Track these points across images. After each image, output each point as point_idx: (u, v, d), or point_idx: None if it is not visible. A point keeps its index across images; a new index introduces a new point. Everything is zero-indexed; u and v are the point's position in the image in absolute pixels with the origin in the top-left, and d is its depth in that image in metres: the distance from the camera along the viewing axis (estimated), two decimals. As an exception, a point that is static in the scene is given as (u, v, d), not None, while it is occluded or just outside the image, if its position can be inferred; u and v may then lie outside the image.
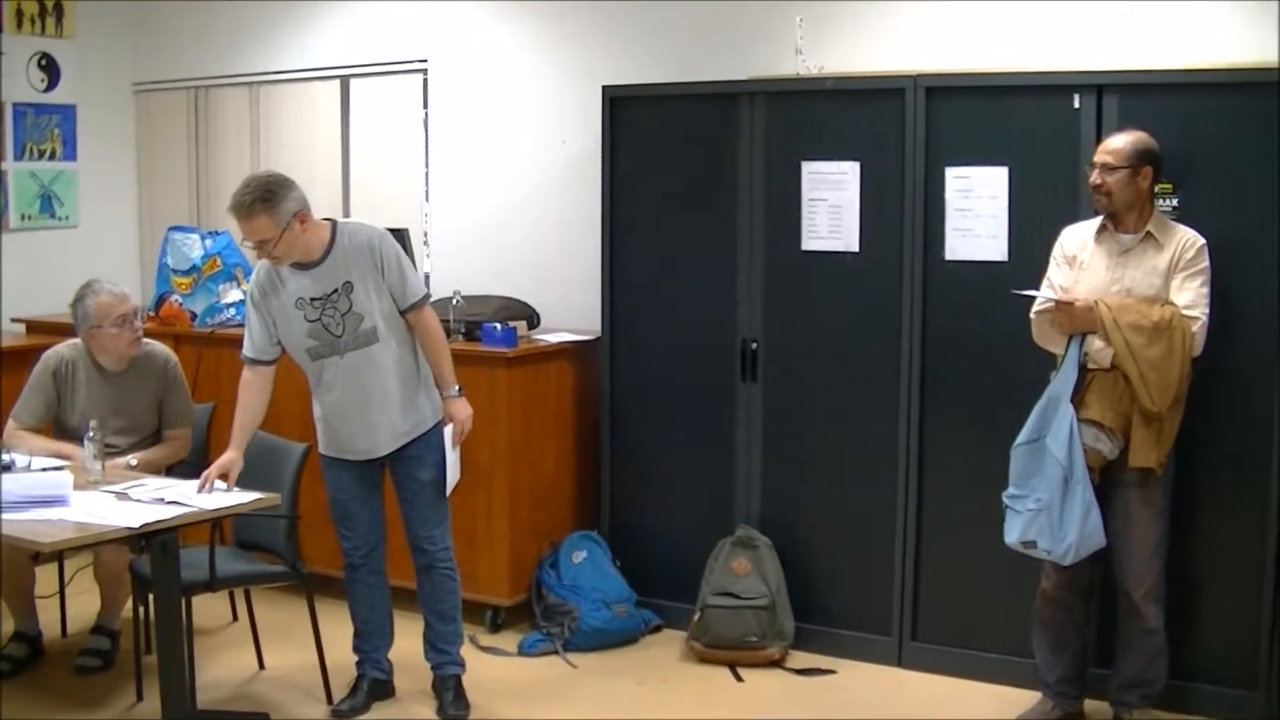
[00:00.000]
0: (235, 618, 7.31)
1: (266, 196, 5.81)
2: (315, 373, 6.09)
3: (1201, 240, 5.69)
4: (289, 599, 6.83)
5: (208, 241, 8.54)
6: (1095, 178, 5.74)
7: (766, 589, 6.88)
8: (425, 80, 8.67)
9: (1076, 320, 5.68)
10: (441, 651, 6.34)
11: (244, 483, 5.97)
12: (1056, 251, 5.98)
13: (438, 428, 6.18)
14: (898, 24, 7.16)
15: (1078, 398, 5.68)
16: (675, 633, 7.27)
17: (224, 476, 5.84)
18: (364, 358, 5.98)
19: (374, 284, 5.98)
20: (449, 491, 6.21)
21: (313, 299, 5.95)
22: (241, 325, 7.93)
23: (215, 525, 6.15)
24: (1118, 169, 5.69)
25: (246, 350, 6.15)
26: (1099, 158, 5.76)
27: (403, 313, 6.06)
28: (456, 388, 6.15)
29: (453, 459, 6.20)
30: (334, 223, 6.08)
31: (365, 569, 6.26)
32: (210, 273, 8.40)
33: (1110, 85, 6.18)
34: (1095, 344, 5.69)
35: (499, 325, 7.29)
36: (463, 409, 6.14)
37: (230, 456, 5.91)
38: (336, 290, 5.94)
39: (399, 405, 6.08)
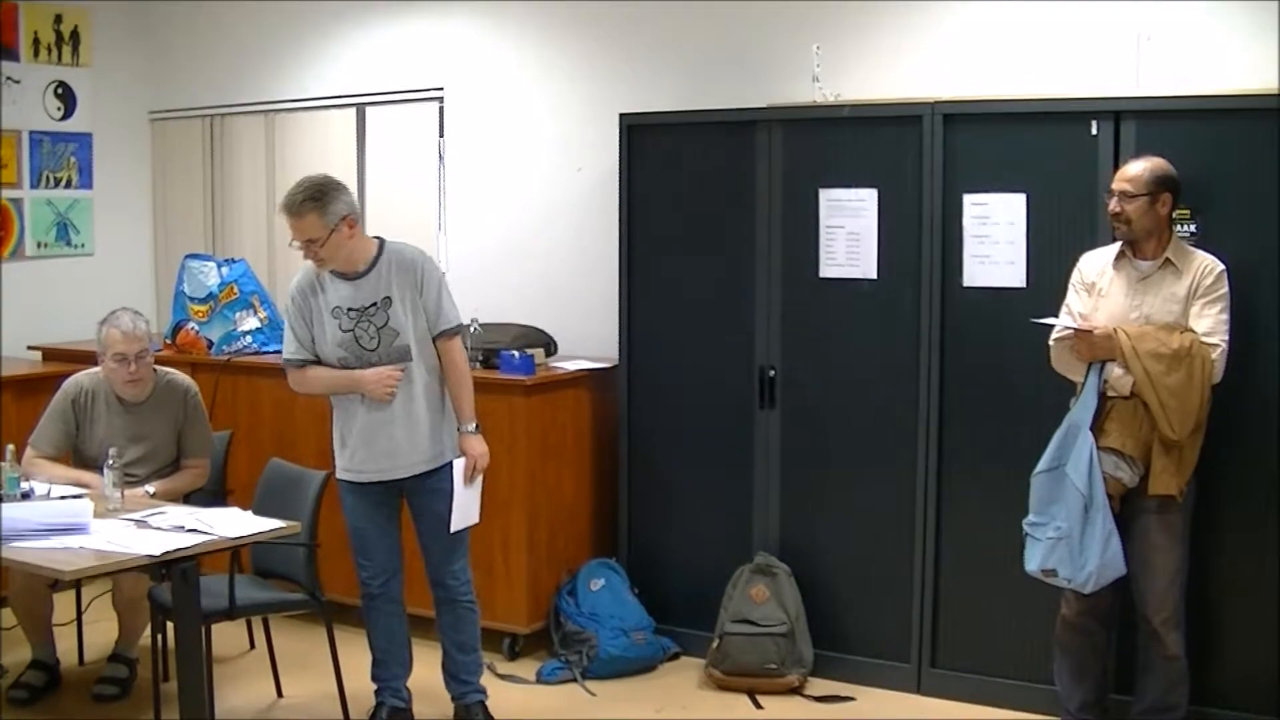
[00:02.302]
0: (253, 646, 7.30)
1: (317, 195, 5.88)
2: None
3: (1220, 266, 5.69)
4: (307, 627, 6.84)
5: (224, 269, 8.55)
6: (1114, 205, 5.74)
7: (785, 616, 6.87)
8: (441, 108, 8.68)
9: (1096, 348, 5.68)
10: (464, 682, 6.34)
11: (263, 511, 5.99)
12: (1075, 278, 5.98)
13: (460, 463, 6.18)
14: (915, 51, 7.18)
15: (1097, 425, 5.67)
16: (694, 660, 7.25)
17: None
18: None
19: (412, 303, 6.04)
20: (456, 528, 6.15)
21: (350, 309, 5.99)
22: (259, 352, 8.01)
23: (234, 553, 6.15)
24: (1136, 196, 5.69)
25: (292, 353, 6.15)
26: (1117, 185, 5.76)
27: (435, 338, 6.10)
28: (475, 424, 6.17)
29: (471, 498, 6.17)
30: (381, 240, 6.14)
31: (383, 598, 6.25)
32: (227, 300, 8.40)
33: (1127, 111, 6.18)
34: (1115, 371, 5.68)
35: (516, 353, 7.29)
36: (479, 445, 6.16)
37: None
38: (375, 304, 5.99)
39: (424, 430, 6.09)
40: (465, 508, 6.15)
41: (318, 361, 6.12)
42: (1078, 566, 5.61)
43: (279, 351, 8.04)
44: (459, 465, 6.12)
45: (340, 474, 6.21)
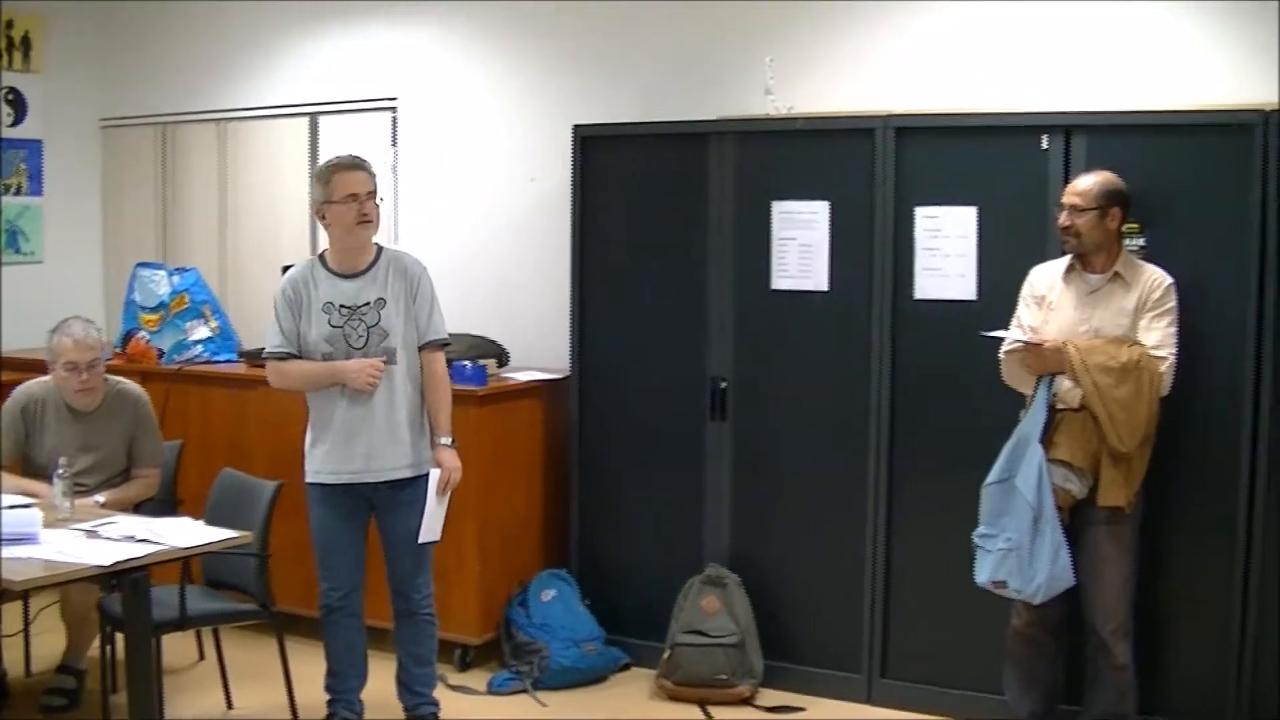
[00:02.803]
0: (202, 657, 7.26)
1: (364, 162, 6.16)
2: None
3: (1169, 280, 5.74)
4: (257, 638, 6.80)
5: (175, 278, 8.51)
6: (1064, 219, 5.78)
7: (736, 627, 6.88)
8: (394, 119, 8.67)
9: (1045, 361, 5.71)
10: (417, 694, 6.33)
11: (214, 521, 5.97)
12: (1025, 291, 6.02)
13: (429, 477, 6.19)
14: (867, 64, 7.22)
15: (1047, 437, 5.70)
16: (645, 671, 7.25)
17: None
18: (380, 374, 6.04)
19: (405, 309, 6.09)
20: (424, 540, 6.14)
21: (342, 306, 6.02)
22: (210, 362, 7.99)
23: (185, 563, 6.13)
24: (1086, 210, 5.73)
25: (276, 345, 6.12)
26: (1067, 199, 5.81)
27: (421, 347, 6.15)
28: (451, 438, 6.18)
29: (439, 512, 6.15)
30: (379, 244, 6.20)
31: (344, 611, 6.22)
32: (178, 309, 8.37)
33: (1078, 126, 6.23)
34: (1064, 384, 5.72)
35: (469, 363, 7.29)
36: (455, 459, 6.17)
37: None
38: (369, 304, 6.03)
39: (404, 435, 6.10)
40: (433, 521, 6.14)
41: (299, 356, 6.11)
42: (1027, 578, 5.64)
43: (231, 360, 8.08)
44: (435, 476, 6.12)
45: (311, 477, 6.16)
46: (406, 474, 6.13)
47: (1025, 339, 5.79)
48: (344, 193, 5.99)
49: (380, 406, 6.04)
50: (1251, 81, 6.35)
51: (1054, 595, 5.67)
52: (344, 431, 6.05)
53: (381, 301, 6.04)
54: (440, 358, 6.25)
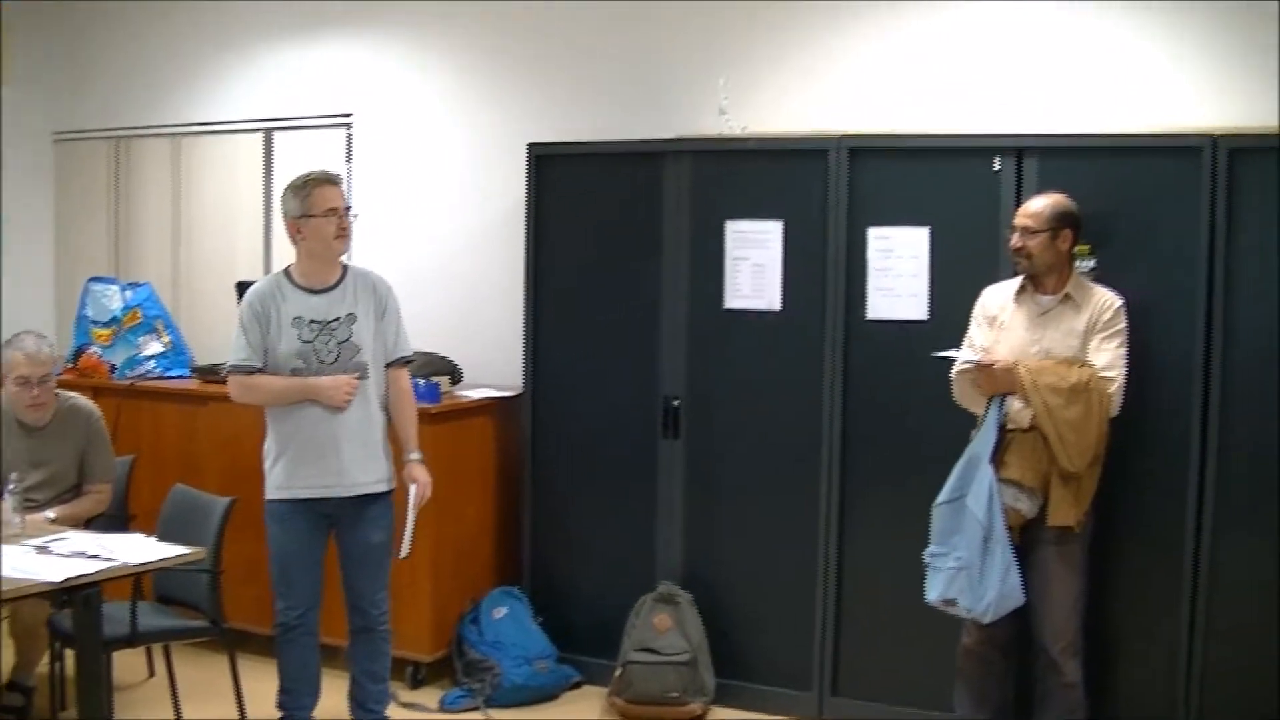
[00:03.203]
0: (153, 674, 7.23)
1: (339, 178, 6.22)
2: None
3: (1119, 301, 5.79)
4: (208, 655, 6.77)
5: (128, 293, 8.49)
6: (1016, 240, 5.82)
7: (688, 645, 6.89)
8: (350, 135, 8.67)
9: (996, 381, 5.75)
10: (370, 711, 6.32)
11: (166, 537, 5.96)
12: (977, 311, 6.06)
13: (392, 493, 6.20)
14: (821, 85, 7.25)
15: (997, 457, 5.73)
16: (597, 689, 7.25)
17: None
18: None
19: (374, 325, 6.12)
20: (401, 556, 6.17)
21: (312, 321, 6.03)
22: (162, 377, 7.97)
23: (136, 580, 6.10)
24: (1038, 232, 5.77)
25: (243, 359, 6.07)
26: (1019, 220, 5.85)
27: (389, 364, 6.19)
28: (420, 453, 6.21)
29: (410, 526, 6.17)
30: (343, 262, 6.22)
31: (300, 629, 6.18)
32: (130, 324, 8.35)
33: (1030, 148, 6.28)
34: (1015, 404, 5.75)
35: (422, 380, 7.27)
36: (427, 473, 6.21)
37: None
38: (339, 319, 6.05)
39: (376, 450, 6.13)
40: (408, 536, 6.15)
41: (265, 371, 6.09)
42: (977, 596, 5.66)
43: (184, 376, 8.06)
44: (414, 491, 6.15)
45: (274, 493, 6.13)
46: (380, 489, 6.15)
47: (976, 359, 5.82)
48: (324, 207, 6.00)
49: (354, 421, 6.04)
50: (1202, 105, 6.42)
51: (1003, 614, 5.69)
52: (316, 445, 6.04)
53: (352, 317, 6.06)
54: (406, 374, 6.30)
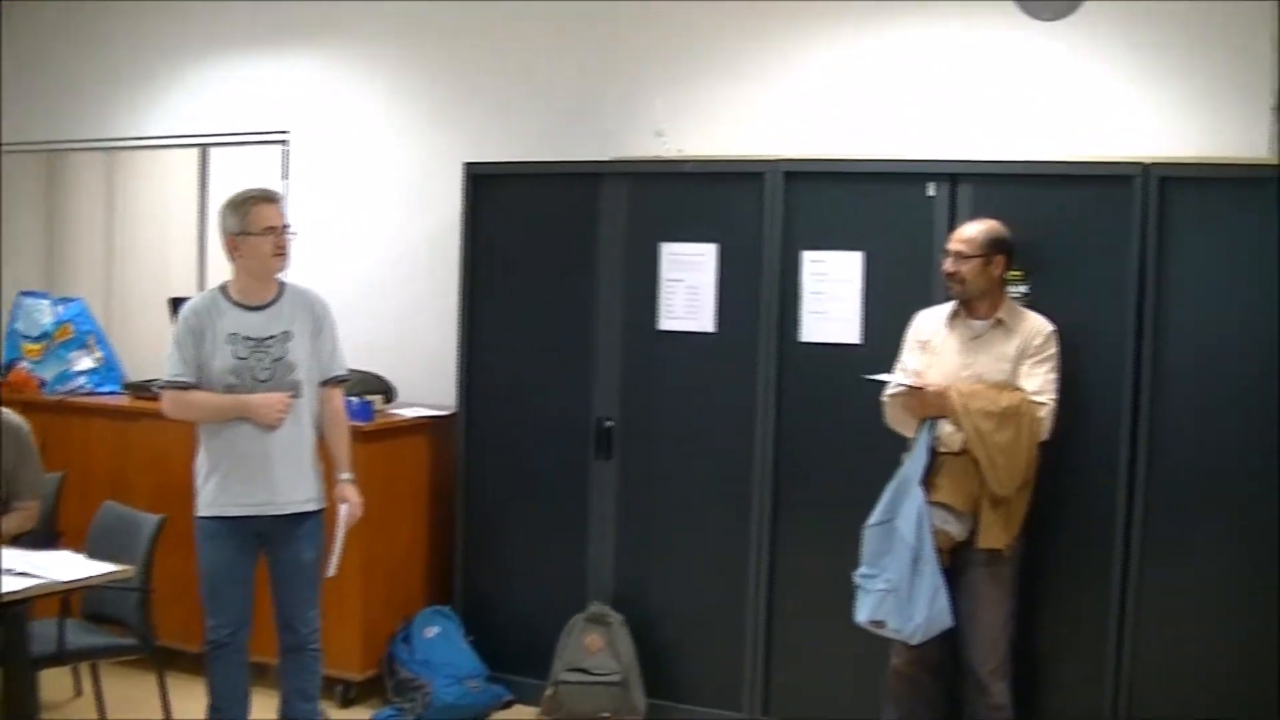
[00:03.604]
0: (80, 692, 7.15)
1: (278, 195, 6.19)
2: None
3: (1051, 327, 5.84)
4: (137, 673, 6.71)
5: (59, 308, 8.45)
6: (949, 265, 5.87)
7: (619, 665, 6.90)
8: (286, 152, 8.65)
9: (928, 405, 5.79)
10: None
11: (96, 554, 5.92)
12: (909, 335, 6.10)
13: (323, 513, 6.18)
14: (758, 109, 7.29)
15: (928, 480, 5.77)
16: (528, 709, 7.24)
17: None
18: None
19: (310, 343, 6.11)
20: (329, 576, 6.15)
21: (247, 338, 5.98)
22: (93, 393, 7.92)
23: (65, 597, 6.06)
24: (971, 257, 5.82)
25: (177, 374, 6.01)
26: (953, 245, 5.90)
27: (323, 383, 6.17)
28: (352, 474, 6.20)
29: (339, 546, 6.14)
30: (280, 279, 6.19)
31: (230, 648, 6.11)
32: (61, 339, 8.31)
33: (964, 175, 6.33)
34: (946, 428, 5.79)
35: (355, 399, 7.25)
36: (357, 493, 6.18)
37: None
38: (274, 336, 6.01)
39: (308, 469, 6.10)
40: (337, 556, 6.13)
41: (199, 387, 6.04)
42: (906, 618, 5.69)
43: (115, 392, 8.01)
44: (344, 511, 6.12)
45: (205, 510, 6.07)
46: (311, 507, 6.12)
47: (909, 383, 5.86)
48: (262, 225, 5.98)
49: (285, 439, 6.01)
50: (1135, 134, 6.50)
51: (932, 636, 5.73)
52: (247, 463, 6.00)
53: (288, 335, 6.03)
54: (340, 394, 6.29)
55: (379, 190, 8.33)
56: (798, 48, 7.25)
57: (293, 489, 6.05)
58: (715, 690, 6.95)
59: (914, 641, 5.75)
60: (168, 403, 6.11)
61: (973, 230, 5.90)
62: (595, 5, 7.69)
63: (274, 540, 6.10)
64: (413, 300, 8.16)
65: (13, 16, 9.47)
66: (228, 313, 6.02)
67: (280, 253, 6.05)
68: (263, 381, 5.97)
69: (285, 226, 6.08)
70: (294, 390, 6.02)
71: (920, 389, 5.80)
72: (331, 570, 6.12)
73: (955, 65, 6.91)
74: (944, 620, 5.72)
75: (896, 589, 5.71)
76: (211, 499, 6.06)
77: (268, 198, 6.08)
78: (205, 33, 8.84)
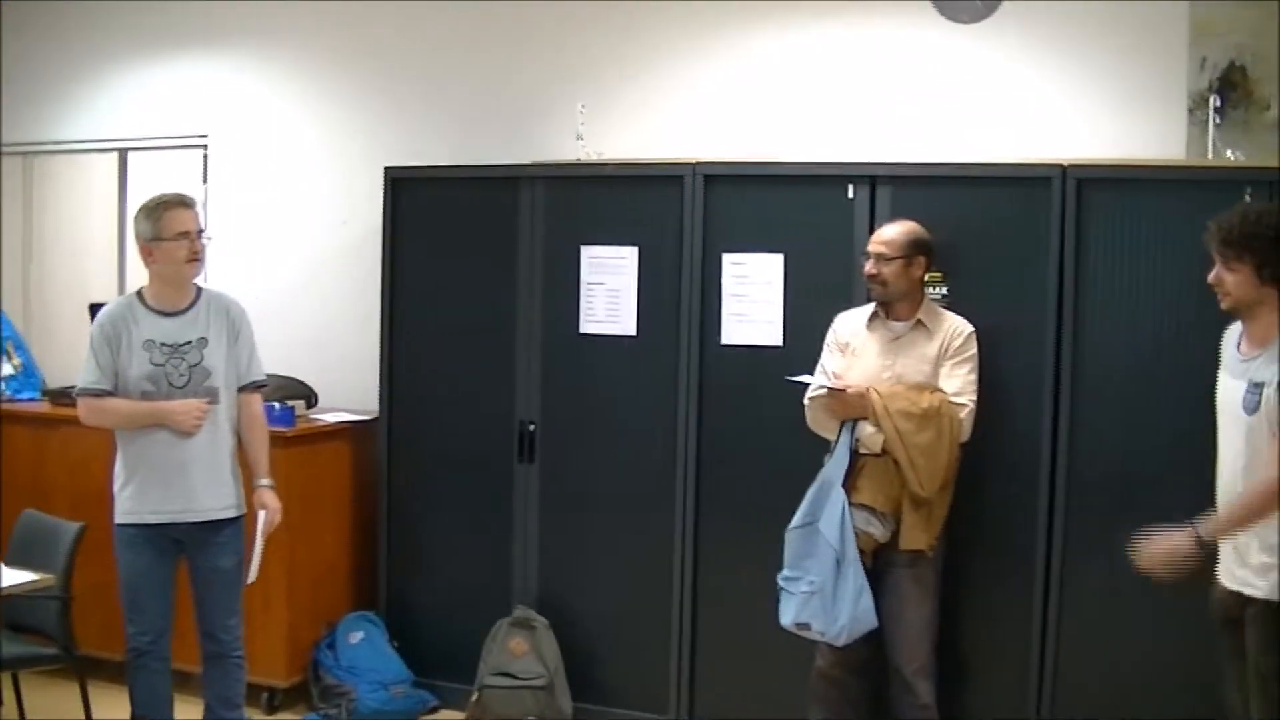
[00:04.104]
0: (0, 702, 7.12)
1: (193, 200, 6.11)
2: None
3: (970, 328, 5.88)
4: (59, 683, 6.66)
5: (-22, 314, 8.40)
6: (870, 267, 5.89)
7: (544, 669, 6.89)
8: (205, 156, 8.59)
9: (849, 407, 5.81)
10: None
11: (15, 563, 5.88)
12: (830, 338, 6.13)
13: (243, 519, 6.14)
14: (678, 112, 7.31)
15: (850, 482, 5.80)
16: (453, 713, 7.24)
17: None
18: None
19: (227, 349, 6.06)
20: (249, 582, 6.11)
21: (163, 344, 5.93)
22: (12, 400, 7.85)
23: (-16, 606, 6.03)
24: (892, 259, 5.85)
25: (92, 381, 5.94)
26: (873, 247, 5.92)
27: (241, 388, 6.13)
28: (270, 479, 6.16)
29: (258, 552, 6.11)
30: (196, 285, 6.14)
31: (151, 656, 6.06)
32: (-20, 345, 8.26)
33: (883, 177, 6.35)
34: (866, 429, 5.82)
35: (277, 404, 7.22)
36: (276, 499, 6.14)
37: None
38: (191, 342, 5.96)
39: (226, 476, 6.06)
40: (256, 563, 6.09)
41: (114, 394, 5.99)
42: (830, 620, 5.71)
43: (34, 399, 7.95)
44: (263, 517, 6.09)
45: (123, 518, 6.01)
46: (229, 514, 6.08)
47: (829, 384, 5.88)
48: (175, 230, 5.93)
49: (203, 446, 5.97)
50: (1053, 135, 6.55)
51: (857, 637, 5.75)
52: (164, 473, 5.95)
53: (204, 341, 5.99)
54: (258, 399, 6.25)
55: (299, 194, 8.29)
56: (717, 49, 7.27)
57: (211, 496, 6.01)
58: (641, 693, 6.96)
59: (839, 643, 5.77)
60: (84, 410, 6.04)
61: (893, 232, 5.93)
62: (515, 10, 7.68)
63: (193, 547, 6.06)
64: (334, 304, 8.13)
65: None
66: (144, 319, 5.98)
67: (194, 258, 6.00)
68: (179, 388, 5.93)
69: (200, 231, 6.03)
70: (211, 396, 5.98)
71: (841, 390, 5.82)
72: (251, 576, 6.08)
73: (874, 67, 6.94)
74: (869, 621, 5.74)
75: (821, 591, 5.73)
76: (129, 506, 6.01)
77: (182, 202, 6.02)
78: (125, 35, 8.77)
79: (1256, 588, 4.71)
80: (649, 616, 6.90)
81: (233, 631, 6.17)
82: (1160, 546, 4.80)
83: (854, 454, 5.83)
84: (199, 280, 6.18)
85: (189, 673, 6.41)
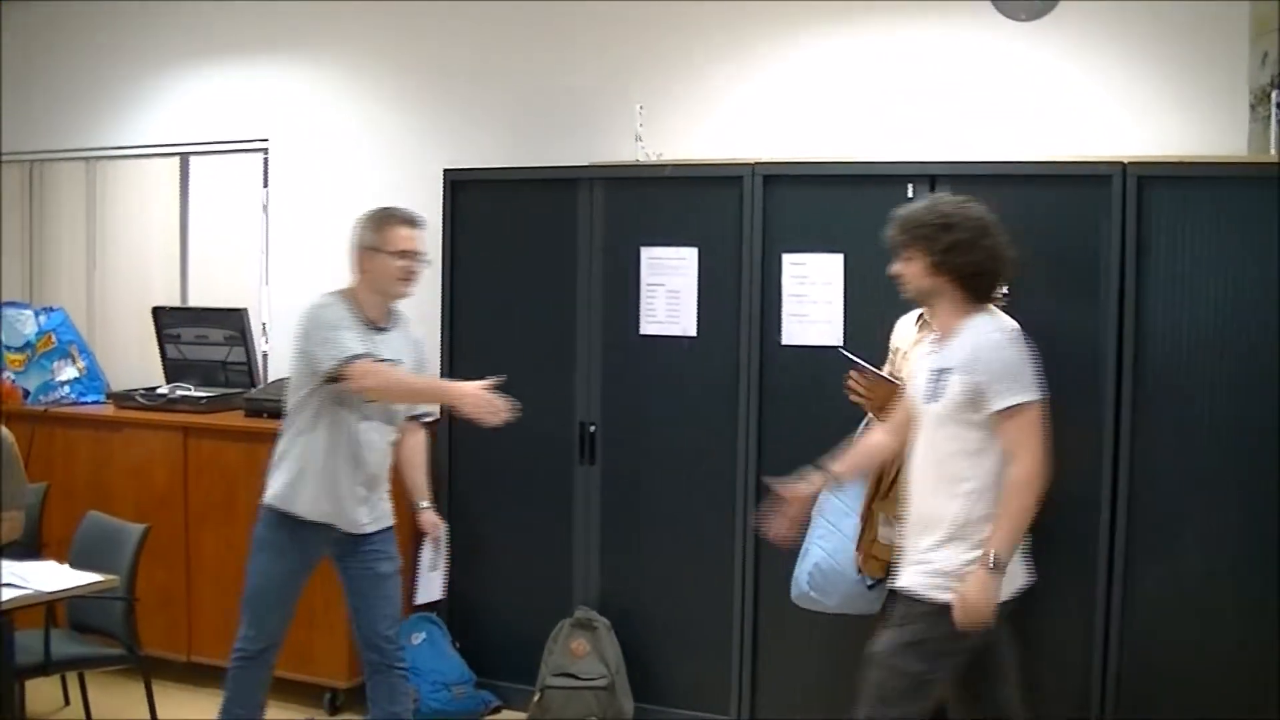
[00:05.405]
0: (67, 702, 7.17)
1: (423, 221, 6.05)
2: (332, 415, 5.83)
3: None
4: (124, 682, 6.73)
5: (41, 318, 8.46)
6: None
7: (605, 670, 6.91)
8: (266, 160, 8.66)
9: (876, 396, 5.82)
10: None
11: (80, 564, 5.92)
12: (892, 341, 6.09)
13: (394, 528, 6.15)
14: (737, 113, 7.32)
15: (884, 492, 5.81)
16: (515, 714, 7.28)
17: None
18: (379, 432, 5.96)
19: (413, 370, 6.03)
20: (438, 599, 6.24)
21: (383, 360, 5.78)
22: (76, 403, 7.90)
23: (49, 607, 6.06)
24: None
25: (373, 351, 5.72)
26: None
27: (410, 418, 6.15)
28: (431, 501, 6.21)
29: (443, 568, 6.24)
30: (393, 309, 6.07)
31: (257, 663, 5.92)
32: (44, 349, 8.31)
33: (942, 176, 6.32)
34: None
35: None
36: (438, 518, 6.24)
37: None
38: (389, 361, 5.80)
39: (384, 490, 6.08)
40: (437, 580, 6.21)
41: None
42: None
43: (98, 401, 8.00)
44: (442, 532, 6.20)
45: (279, 504, 5.88)
46: (369, 530, 6.02)
47: (866, 366, 5.81)
48: (396, 246, 5.84)
49: (379, 459, 5.98)
50: (1114, 133, 6.53)
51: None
52: (331, 475, 5.84)
53: (398, 363, 5.87)
54: (424, 432, 6.30)
55: (359, 197, 8.26)
56: (776, 50, 7.28)
57: (372, 507, 6.00)
58: (702, 693, 6.97)
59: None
60: (361, 373, 5.64)
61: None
62: (572, 11, 7.71)
63: (347, 554, 6.03)
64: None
65: (-5, 24, 9.50)
66: (357, 325, 5.84)
67: (407, 278, 5.90)
68: (373, 401, 5.86)
69: (419, 253, 5.93)
70: (396, 418, 6.01)
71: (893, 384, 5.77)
72: (438, 594, 6.25)
73: (933, 66, 6.94)
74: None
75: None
76: (285, 496, 5.88)
77: (411, 220, 5.95)
78: (185, 41, 8.85)
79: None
80: (710, 617, 6.90)
81: (394, 640, 6.10)
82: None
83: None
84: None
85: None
